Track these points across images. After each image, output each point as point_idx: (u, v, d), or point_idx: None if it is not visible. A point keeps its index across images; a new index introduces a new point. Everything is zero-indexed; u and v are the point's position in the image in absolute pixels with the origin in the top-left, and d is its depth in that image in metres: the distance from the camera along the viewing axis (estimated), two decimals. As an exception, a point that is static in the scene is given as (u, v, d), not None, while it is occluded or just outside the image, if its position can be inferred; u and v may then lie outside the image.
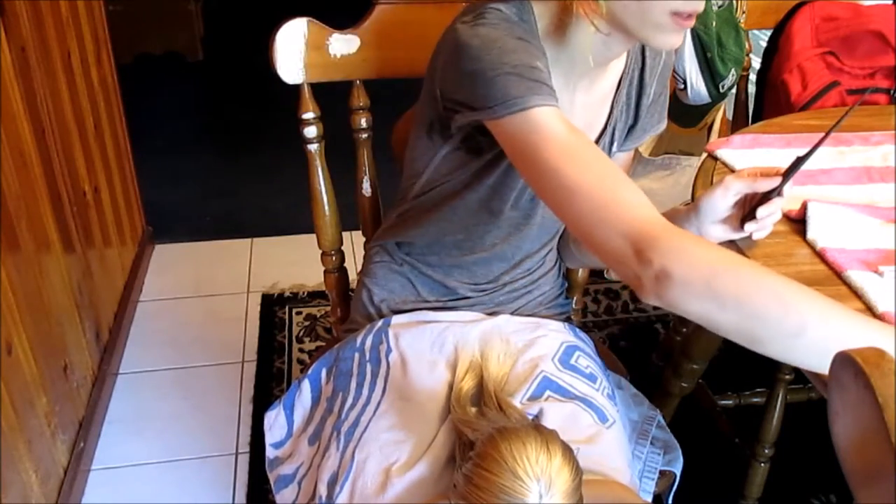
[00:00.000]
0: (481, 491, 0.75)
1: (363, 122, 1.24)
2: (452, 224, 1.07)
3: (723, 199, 0.94)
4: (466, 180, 1.02)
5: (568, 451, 0.78)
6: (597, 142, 1.05)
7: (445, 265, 1.12)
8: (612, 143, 1.07)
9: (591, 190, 0.78)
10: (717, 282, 0.72)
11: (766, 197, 0.92)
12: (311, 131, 1.21)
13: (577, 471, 0.77)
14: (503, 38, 0.87)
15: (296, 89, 1.19)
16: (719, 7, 1.59)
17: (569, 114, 0.98)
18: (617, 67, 1.02)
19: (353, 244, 2.08)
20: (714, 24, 1.58)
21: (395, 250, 1.15)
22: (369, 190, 1.30)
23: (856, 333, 0.71)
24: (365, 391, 1.03)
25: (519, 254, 1.12)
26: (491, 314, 1.12)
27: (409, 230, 1.12)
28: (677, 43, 0.88)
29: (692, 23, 0.85)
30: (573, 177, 0.79)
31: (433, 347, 1.04)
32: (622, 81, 1.03)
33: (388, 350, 1.06)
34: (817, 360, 0.70)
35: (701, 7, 0.85)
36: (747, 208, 0.95)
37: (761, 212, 0.92)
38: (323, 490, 0.95)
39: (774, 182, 0.91)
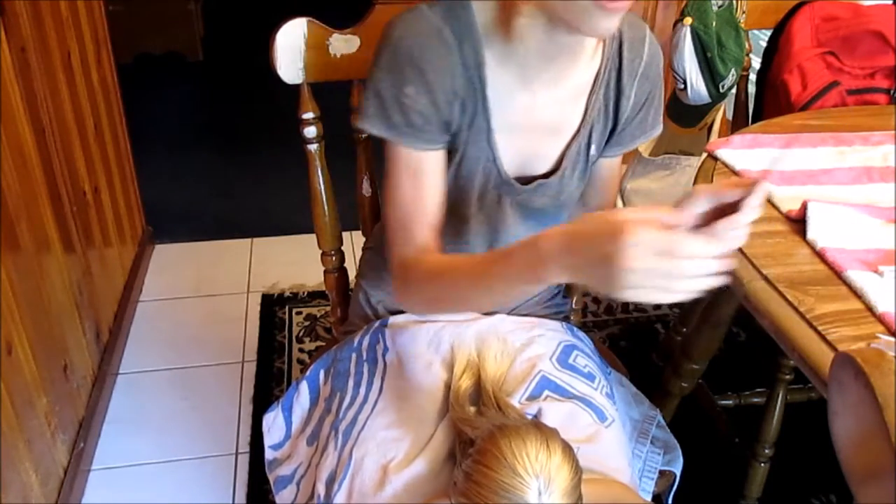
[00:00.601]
0: (481, 488, 0.75)
1: (363, 122, 1.24)
2: None
3: (689, 211, 0.90)
4: None
5: (568, 449, 0.78)
6: (571, 142, 1.00)
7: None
8: (589, 146, 1.02)
9: (395, 223, 0.97)
10: (433, 308, 1.00)
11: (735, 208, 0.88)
12: (310, 131, 1.21)
13: (577, 469, 0.77)
14: (400, 45, 0.89)
15: (296, 89, 1.19)
16: (719, 7, 1.59)
17: (529, 111, 0.96)
18: (591, 65, 0.97)
19: (353, 244, 2.08)
20: (714, 24, 1.58)
21: (389, 252, 1.16)
22: (369, 190, 1.30)
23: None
24: (362, 390, 1.03)
25: None
26: (487, 313, 1.12)
27: None
28: (611, 28, 0.82)
29: (623, 6, 0.79)
30: (389, 208, 0.97)
31: (429, 347, 1.04)
32: (598, 81, 0.98)
33: (385, 350, 1.06)
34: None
35: None
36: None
37: (719, 225, 0.83)
38: (321, 489, 0.95)
39: (738, 194, 0.83)
